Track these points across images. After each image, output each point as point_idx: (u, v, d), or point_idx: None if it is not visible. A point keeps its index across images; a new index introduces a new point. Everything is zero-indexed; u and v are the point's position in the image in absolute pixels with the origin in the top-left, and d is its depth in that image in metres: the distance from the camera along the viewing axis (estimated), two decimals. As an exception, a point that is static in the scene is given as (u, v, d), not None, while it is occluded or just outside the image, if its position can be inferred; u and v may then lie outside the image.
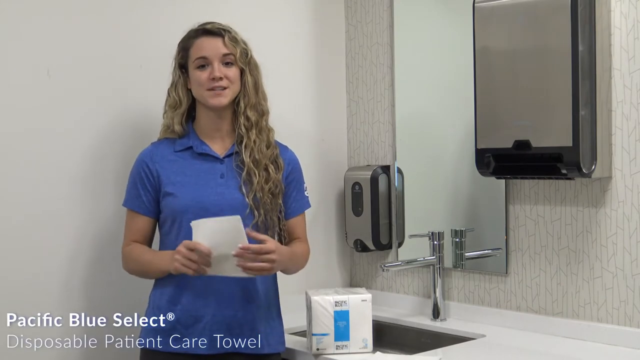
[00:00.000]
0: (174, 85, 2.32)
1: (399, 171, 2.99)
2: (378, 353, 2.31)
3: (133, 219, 2.31)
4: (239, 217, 2.13)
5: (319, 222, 3.03)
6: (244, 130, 2.28)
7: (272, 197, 2.28)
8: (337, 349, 2.30)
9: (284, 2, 2.99)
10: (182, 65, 2.30)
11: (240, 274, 2.15)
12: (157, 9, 2.63)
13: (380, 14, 3.03)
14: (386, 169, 2.99)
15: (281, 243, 2.38)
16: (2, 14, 2.31)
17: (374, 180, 2.95)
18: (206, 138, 2.32)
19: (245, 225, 2.22)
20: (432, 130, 2.93)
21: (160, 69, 2.44)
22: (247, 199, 2.24)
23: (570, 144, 2.25)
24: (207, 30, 2.28)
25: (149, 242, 2.33)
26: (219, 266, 2.14)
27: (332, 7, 3.13)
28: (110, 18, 2.52)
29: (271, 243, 2.16)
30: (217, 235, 2.12)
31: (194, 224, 2.13)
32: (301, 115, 3.02)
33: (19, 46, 2.34)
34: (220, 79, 2.24)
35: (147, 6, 2.61)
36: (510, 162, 2.40)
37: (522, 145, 2.35)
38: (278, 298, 2.37)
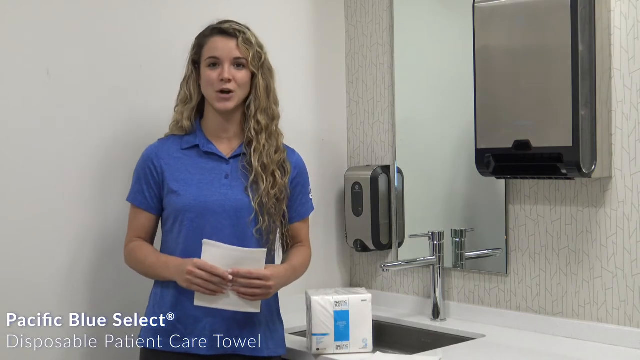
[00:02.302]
0: (186, 79, 2.32)
1: (399, 171, 2.99)
2: (378, 353, 2.31)
3: (136, 214, 2.31)
4: (264, 250, 2.16)
5: (319, 222, 3.03)
6: (253, 133, 2.27)
7: (277, 203, 2.28)
8: (337, 349, 2.30)
9: (284, 2, 2.99)
10: (195, 61, 2.30)
11: (243, 307, 2.16)
12: (157, 9, 2.63)
13: (380, 14, 3.03)
14: (386, 169, 2.99)
15: (284, 247, 2.38)
16: (3, 14, 2.31)
17: (374, 180, 2.95)
18: (213, 137, 2.31)
19: (249, 230, 2.22)
20: (432, 130, 2.93)
21: (161, 69, 2.44)
22: (253, 204, 2.24)
23: (570, 144, 2.25)
24: (222, 30, 2.27)
25: (151, 238, 2.34)
26: (222, 296, 2.15)
27: (332, 7, 3.13)
28: (110, 18, 2.52)
29: (267, 269, 2.17)
30: (233, 263, 2.12)
31: (208, 243, 2.13)
32: (301, 115, 3.02)
33: (19, 46, 2.34)
34: (229, 80, 2.23)
35: (147, 6, 2.60)
36: (510, 162, 2.40)
37: (522, 145, 2.35)
38: (278, 301, 2.37)
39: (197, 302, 2.15)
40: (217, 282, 2.11)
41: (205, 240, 2.13)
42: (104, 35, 2.50)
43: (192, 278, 2.11)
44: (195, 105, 2.32)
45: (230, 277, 2.11)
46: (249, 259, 2.14)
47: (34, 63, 2.37)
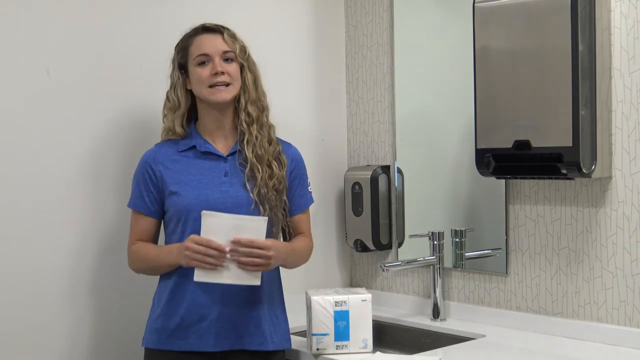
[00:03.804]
0: (173, 87, 2.32)
1: (399, 171, 2.99)
2: (378, 353, 2.31)
3: (137, 220, 2.31)
4: (265, 218, 2.15)
5: (319, 222, 3.03)
6: (245, 126, 2.29)
7: (277, 194, 2.29)
8: (337, 349, 2.30)
9: (284, 3, 2.99)
10: (182, 65, 2.31)
11: (243, 280, 2.15)
12: (157, 9, 2.63)
13: (380, 14, 3.03)
14: (386, 169, 2.99)
15: (285, 240, 2.39)
16: (3, 15, 2.31)
17: (374, 180, 2.95)
18: (209, 137, 2.32)
19: None
20: (432, 130, 2.93)
21: (160, 69, 2.44)
22: (251, 195, 2.25)
23: (570, 144, 2.25)
24: (205, 28, 2.30)
25: (154, 242, 2.34)
26: (222, 270, 2.14)
27: (332, 7, 3.13)
28: (110, 18, 2.52)
29: (268, 240, 2.17)
30: (233, 232, 2.12)
31: (206, 214, 2.13)
32: (301, 115, 3.02)
33: (19, 46, 2.34)
34: (222, 73, 2.24)
35: (147, 7, 2.61)
36: (510, 162, 2.40)
37: (522, 145, 2.35)
38: (282, 295, 2.38)
39: (196, 278, 2.14)
40: (214, 255, 2.11)
41: (204, 212, 2.14)
42: (104, 35, 2.51)
43: (190, 253, 2.12)
44: (185, 112, 2.32)
45: (227, 248, 2.11)
46: (250, 227, 2.13)
47: (34, 63, 2.37)
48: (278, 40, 2.94)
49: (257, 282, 2.17)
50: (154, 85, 2.54)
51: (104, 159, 2.51)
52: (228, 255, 2.12)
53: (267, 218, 2.17)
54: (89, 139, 2.48)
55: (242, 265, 2.14)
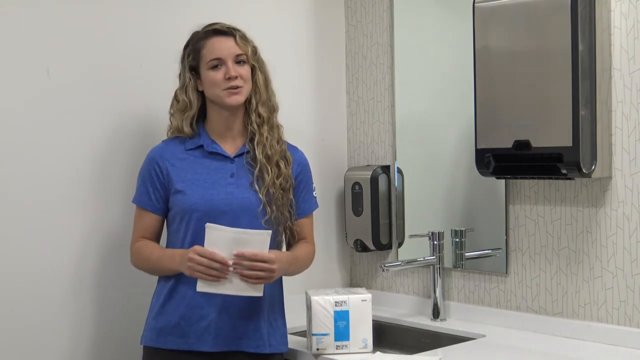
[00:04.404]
0: (183, 88, 2.31)
1: (399, 171, 2.99)
2: (378, 353, 2.31)
3: (142, 216, 2.32)
4: (269, 231, 2.15)
5: (319, 222, 3.01)
6: (255, 127, 2.29)
7: (283, 192, 2.30)
8: (337, 349, 2.30)
9: (284, 3, 2.99)
10: (193, 67, 2.30)
11: (245, 292, 2.15)
12: (157, 8, 2.63)
13: (380, 14, 3.03)
14: (386, 169, 2.99)
15: (288, 244, 2.39)
16: (3, 15, 2.31)
17: (374, 180, 2.95)
18: (217, 138, 2.32)
19: (257, 223, 2.22)
20: (432, 130, 2.93)
21: (161, 69, 2.44)
22: (260, 195, 2.25)
23: (570, 144, 2.25)
24: (217, 31, 2.29)
25: (157, 239, 2.34)
26: (225, 281, 2.14)
27: (332, 7, 3.13)
28: (110, 18, 2.52)
29: (271, 253, 2.17)
30: (237, 246, 2.12)
31: (210, 227, 2.13)
32: (301, 115, 3.02)
33: (19, 46, 2.34)
34: (236, 77, 2.24)
35: (147, 6, 2.60)
36: (510, 162, 2.40)
37: (522, 145, 2.35)
38: (282, 298, 2.38)
39: (199, 288, 2.14)
40: (217, 268, 2.11)
41: (208, 224, 2.13)
42: (104, 35, 2.51)
43: (193, 265, 2.12)
44: (196, 112, 2.32)
45: (231, 262, 2.11)
46: (254, 241, 2.13)
47: (34, 63, 2.37)
48: (278, 40, 2.94)
49: (260, 294, 2.18)
50: (154, 85, 2.54)
51: (104, 159, 2.51)
52: (231, 269, 2.12)
53: (270, 232, 2.16)
54: (89, 138, 2.48)
55: (245, 278, 2.14)
